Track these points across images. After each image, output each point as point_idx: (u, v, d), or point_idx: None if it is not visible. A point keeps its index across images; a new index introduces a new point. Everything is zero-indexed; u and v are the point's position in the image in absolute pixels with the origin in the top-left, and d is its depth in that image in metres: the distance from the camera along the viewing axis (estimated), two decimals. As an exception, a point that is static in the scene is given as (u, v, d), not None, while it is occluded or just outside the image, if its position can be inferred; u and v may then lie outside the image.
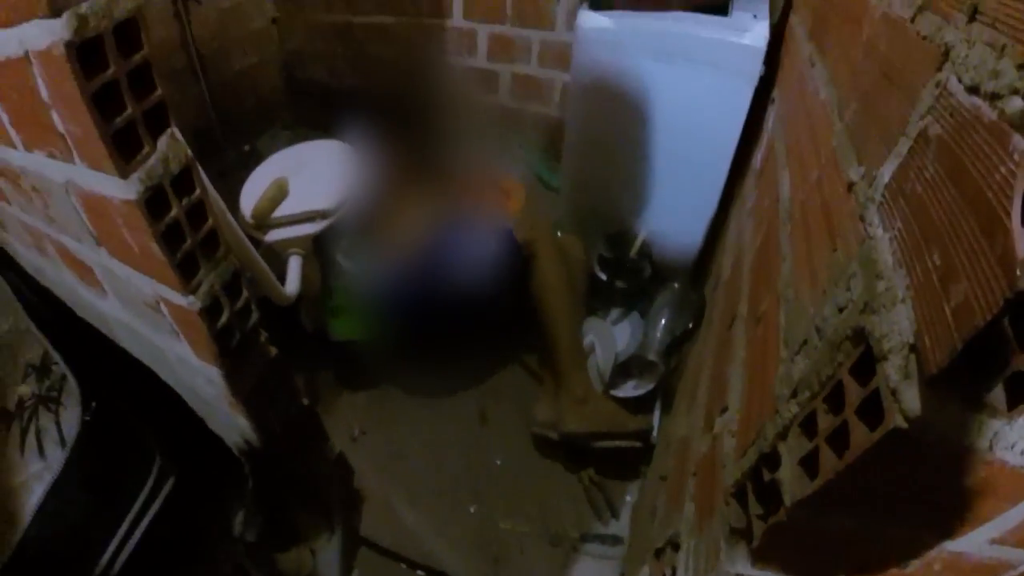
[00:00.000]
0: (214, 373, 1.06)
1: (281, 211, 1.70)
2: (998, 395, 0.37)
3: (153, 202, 0.77)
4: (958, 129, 0.43)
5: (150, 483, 1.30)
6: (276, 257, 1.68)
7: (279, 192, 1.72)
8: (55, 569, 1.16)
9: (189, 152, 0.82)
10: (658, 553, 1.05)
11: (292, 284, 1.59)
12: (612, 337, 1.78)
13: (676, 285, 1.82)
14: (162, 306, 0.97)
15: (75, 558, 1.17)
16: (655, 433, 1.65)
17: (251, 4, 2.70)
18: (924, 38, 0.55)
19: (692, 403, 1.24)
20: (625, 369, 1.70)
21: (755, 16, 1.55)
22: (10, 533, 1.08)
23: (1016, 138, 0.35)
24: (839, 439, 0.46)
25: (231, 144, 2.73)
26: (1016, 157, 0.35)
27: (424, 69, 2.60)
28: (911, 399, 0.39)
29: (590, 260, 1.89)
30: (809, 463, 0.50)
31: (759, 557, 0.59)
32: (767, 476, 0.59)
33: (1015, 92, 0.37)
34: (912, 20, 0.60)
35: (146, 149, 0.75)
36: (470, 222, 1.77)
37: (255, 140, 2.84)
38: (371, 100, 2.82)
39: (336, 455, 1.54)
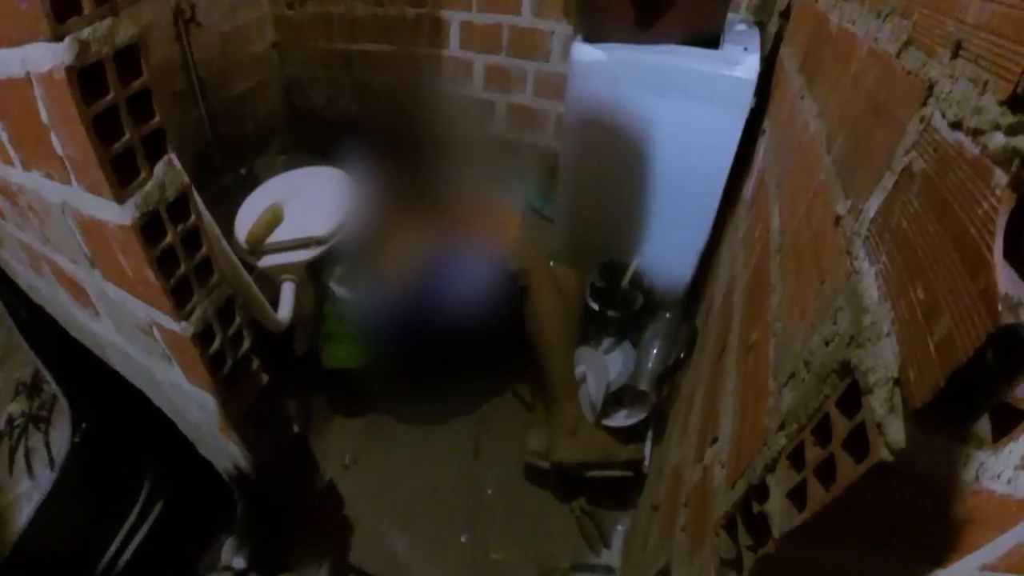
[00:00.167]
0: (206, 398, 1.06)
1: (276, 237, 1.70)
2: (983, 426, 0.37)
3: (149, 228, 0.78)
4: (942, 164, 0.43)
5: (139, 506, 1.29)
6: (269, 282, 1.68)
7: (274, 218, 1.72)
8: (42, 590, 1.15)
9: (186, 179, 0.83)
10: (650, 584, 1.04)
11: (285, 311, 1.59)
12: (604, 367, 1.78)
13: (668, 315, 1.83)
14: (155, 330, 0.97)
15: (63, 579, 1.16)
16: (647, 462, 1.64)
17: (252, 28, 2.73)
18: (909, 73, 0.56)
19: (684, 433, 1.24)
20: (617, 398, 1.69)
21: (746, 49, 1.58)
22: (-3, 552, 1.07)
23: (998, 174, 0.36)
24: (827, 471, 0.46)
25: (229, 167, 2.74)
26: (998, 193, 0.35)
27: (421, 98, 2.63)
28: (896, 432, 0.39)
29: (583, 290, 1.90)
30: (797, 495, 0.50)
31: (749, 588, 0.59)
32: (756, 508, 0.59)
33: (997, 128, 0.38)
34: (898, 55, 0.61)
35: (143, 175, 0.75)
36: (464, 251, 1.78)
37: (252, 163, 2.85)
38: (368, 127, 2.84)
39: (327, 482, 1.52)
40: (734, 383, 0.91)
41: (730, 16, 1.71)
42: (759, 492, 0.60)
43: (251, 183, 2.59)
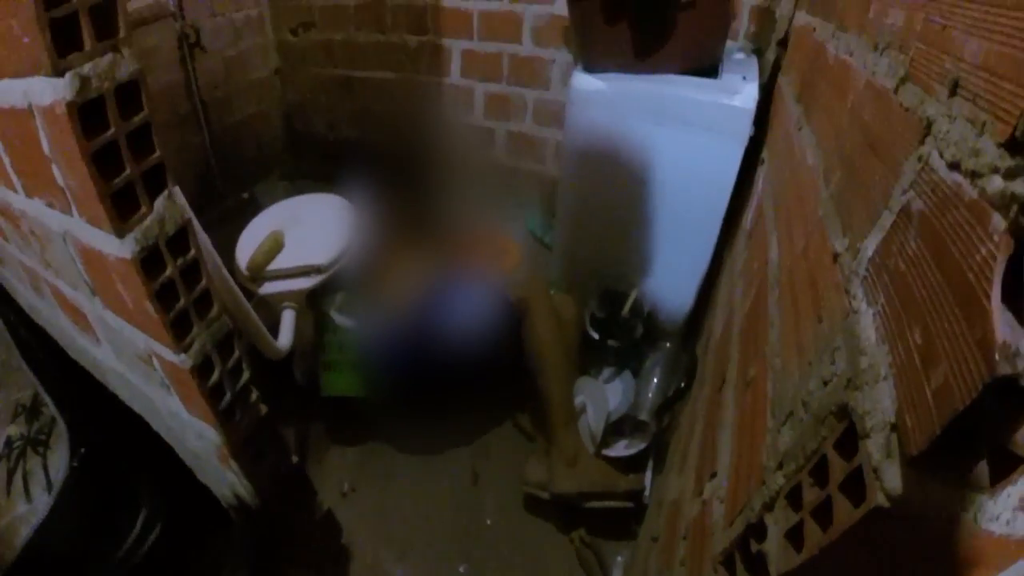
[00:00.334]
0: (204, 428, 1.06)
1: (277, 264, 1.70)
2: (981, 470, 0.36)
3: (148, 261, 0.78)
4: (940, 206, 0.43)
5: (135, 531, 1.29)
6: (269, 308, 1.68)
7: (275, 245, 1.72)
8: (37, 614, 1.14)
9: (186, 213, 0.83)
10: (649, 618, 1.03)
11: (285, 338, 1.58)
12: (604, 397, 1.77)
13: (668, 344, 1.82)
14: (154, 360, 0.97)
15: (58, 604, 1.15)
16: (647, 493, 1.62)
17: (255, 54, 2.76)
18: (907, 110, 0.55)
19: (684, 465, 1.23)
20: (617, 428, 1.68)
21: (744, 78, 1.59)
22: (-8, 574, 1.07)
23: (996, 218, 0.35)
24: (824, 513, 0.46)
25: (230, 191, 2.76)
26: (996, 239, 0.34)
27: (422, 125, 2.65)
28: (892, 478, 0.38)
29: (583, 319, 1.89)
30: (795, 536, 0.50)
31: (747, 627, 0.58)
32: (754, 547, 0.58)
33: (995, 171, 0.37)
34: (895, 91, 0.60)
35: (143, 209, 0.75)
36: (464, 280, 1.78)
37: (254, 188, 2.86)
38: (369, 153, 2.86)
39: (325, 512, 1.51)
40: (732, 417, 0.91)
41: (728, 44, 1.72)
42: (757, 531, 0.59)
43: (252, 208, 2.61)
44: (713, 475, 0.89)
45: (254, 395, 1.10)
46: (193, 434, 1.13)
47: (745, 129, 1.53)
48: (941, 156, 0.45)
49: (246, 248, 1.74)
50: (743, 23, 1.92)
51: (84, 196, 0.71)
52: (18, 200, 0.88)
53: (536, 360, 1.67)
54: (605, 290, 1.93)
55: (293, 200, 2.02)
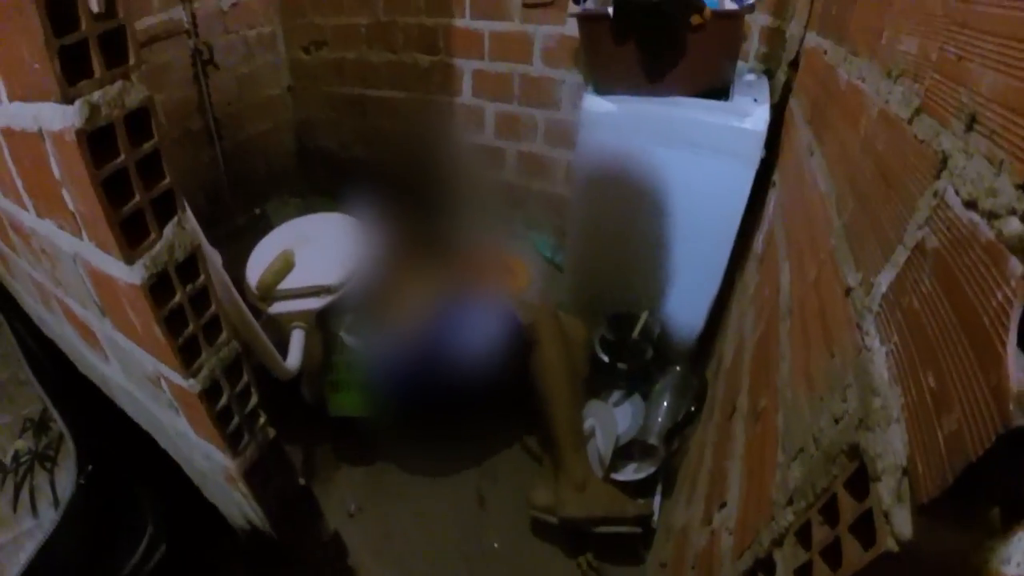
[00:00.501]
0: (212, 450, 1.05)
1: (286, 284, 1.70)
2: (993, 515, 0.35)
3: (157, 288, 0.78)
4: (955, 245, 0.41)
5: (141, 549, 1.28)
6: (278, 327, 1.68)
7: (285, 265, 1.73)
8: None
9: (195, 239, 0.83)
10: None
11: (294, 359, 1.58)
12: (613, 420, 1.75)
13: (678, 368, 1.81)
14: (163, 382, 0.96)
15: (61, 622, 1.15)
16: (656, 517, 1.61)
17: (268, 72, 2.78)
18: (922, 142, 0.53)
19: (693, 492, 1.22)
20: (626, 452, 1.67)
21: (755, 100, 1.58)
22: (-3, 590, 1.06)
23: (1013, 262, 0.34)
24: (834, 553, 0.45)
25: (241, 207, 2.77)
26: (1013, 284, 0.33)
27: (432, 144, 2.65)
28: (903, 523, 0.38)
29: (592, 341, 1.88)
30: (804, 574, 0.49)
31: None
32: (764, 584, 0.57)
33: (1013, 213, 0.36)
34: (909, 121, 0.58)
35: (152, 236, 0.75)
36: (473, 302, 1.77)
37: (265, 204, 2.87)
38: (380, 172, 2.86)
39: (331, 533, 1.50)
40: (742, 448, 0.90)
41: (739, 64, 1.72)
42: (766, 566, 0.58)
43: (263, 224, 2.62)
44: (722, 505, 0.88)
45: (262, 419, 1.10)
46: (200, 455, 1.13)
47: (756, 152, 1.52)
48: (957, 193, 0.43)
49: (256, 267, 1.75)
50: (753, 43, 1.91)
51: (93, 221, 0.71)
52: (29, 219, 0.88)
53: (545, 386, 1.66)
54: (615, 312, 1.92)
55: (303, 219, 2.02)
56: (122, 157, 0.67)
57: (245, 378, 1.01)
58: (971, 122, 0.44)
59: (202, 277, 0.85)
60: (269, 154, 2.92)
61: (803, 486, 0.55)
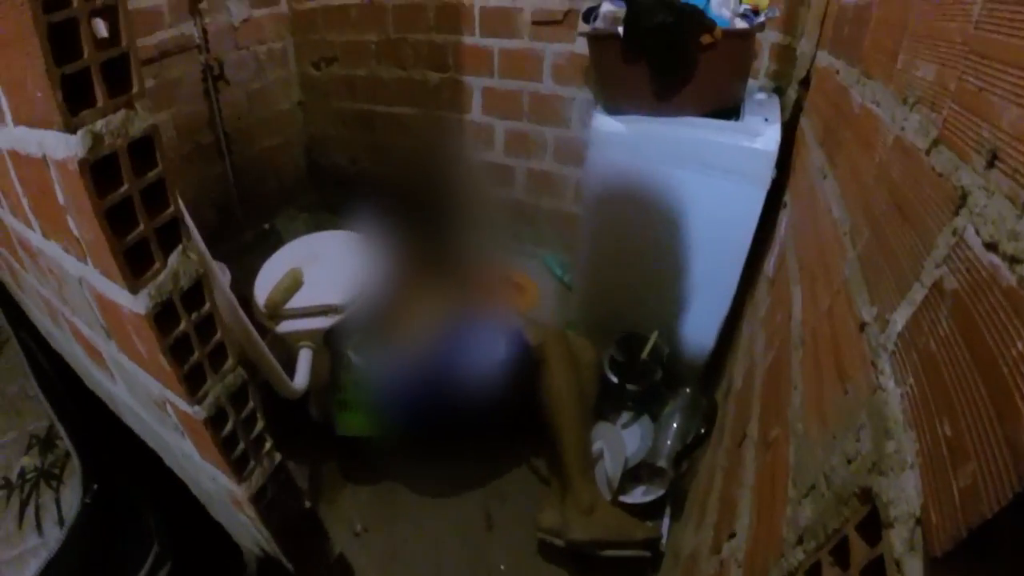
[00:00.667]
0: (217, 474, 1.04)
1: (294, 302, 1.70)
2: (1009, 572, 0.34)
3: (162, 316, 0.77)
4: (975, 288, 0.39)
5: (147, 568, 1.27)
6: (285, 344, 1.67)
7: (293, 283, 1.72)
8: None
9: (201, 267, 0.82)
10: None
11: (301, 378, 1.58)
12: (622, 442, 1.74)
13: (688, 389, 1.79)
14: (168, 407, 0.96)
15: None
16: (664, 541, 1.59)
17: (278, 87, 2.79)
18: (940, 175, 0.51)
19: (702, 518, 1.20)
20: (635, 474, 1.65)
21: (766, 120, 1.57)
22: (0, 608, 1.06)
23: None
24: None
25: (251, 221, 2.78)
26: None
27: (441, 161, 2.65)
28: (915, 572, 0.36)
29: (601, 362, 1.87)
30: (814, 616, 0.47)
31: None
32: (774, 624, 0.56)
33: None
34: (927, 152, 0.55)
35: (157, 265, 0.74)
36: (481, 322, 1.76)
37: (274, 219, 2.88)
38: (389, 188, 2.87)
39: (337, 555, 1.49)
40: (753, 478, 0.88)
41: (749, 83, 1.71)
42: (777, 606, 0.57)
43: (273, 239, 2.62)
44: (732, 535, 0.86)
45: (268, 444, 1.09)
46: (206, 476, 1.12)
47: (767, 172, 1.51)
48: (977, 233, 0.41)
49: (264, 285, 1.75)
50: (763, 61, 1.91)
51: (98, 249, 0.70)
52: (36, 239, 0.88)
53: (553, 408, 1.65)
54: (624, 333, 1.91)
55: (312, 236, 2.02)
56: (125, 187, 0.66)
57: (251, 404, 1.00)
58: (992, 159, 0.42)
59: (207, 305, 0.85)
60: (279, 169, 2.94)
61: (814, 526, 0.53)
